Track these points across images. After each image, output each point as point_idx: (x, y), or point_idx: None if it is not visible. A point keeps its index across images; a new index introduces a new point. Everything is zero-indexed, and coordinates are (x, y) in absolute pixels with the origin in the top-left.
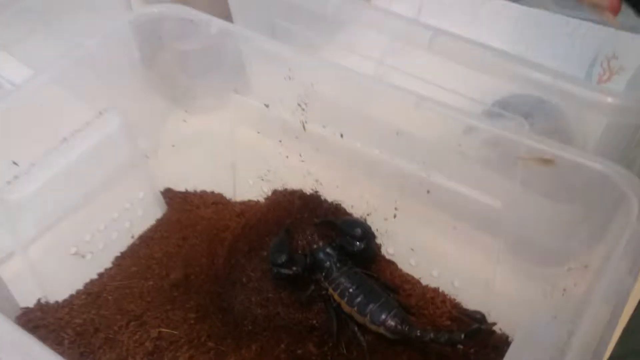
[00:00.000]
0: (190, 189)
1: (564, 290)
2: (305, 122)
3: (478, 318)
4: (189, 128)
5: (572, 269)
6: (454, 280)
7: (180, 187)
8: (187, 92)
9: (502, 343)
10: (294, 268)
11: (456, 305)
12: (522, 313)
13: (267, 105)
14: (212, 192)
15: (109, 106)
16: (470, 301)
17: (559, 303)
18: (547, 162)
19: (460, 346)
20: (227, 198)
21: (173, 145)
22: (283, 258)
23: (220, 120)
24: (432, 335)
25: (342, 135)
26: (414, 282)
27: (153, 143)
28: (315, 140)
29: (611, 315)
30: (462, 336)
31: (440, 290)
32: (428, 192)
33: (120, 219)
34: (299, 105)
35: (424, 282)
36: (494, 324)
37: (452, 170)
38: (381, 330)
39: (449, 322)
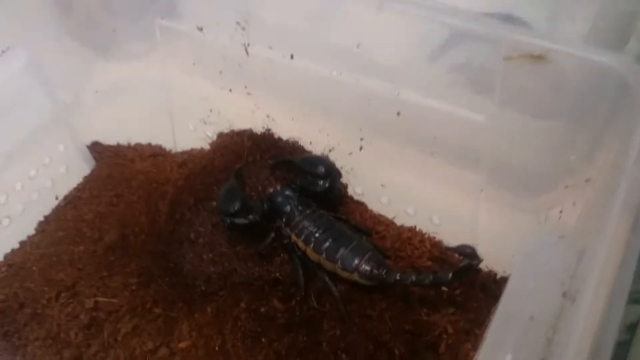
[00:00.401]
0: (124, 142)
1: (561, 212)
2: (248, 44)
3: (468, 253)
4: (116, 75)
5: (569, 187)
6: (432, 216)
7: (110, 140)
8: (112, 36)
9: (490, 281)
10: (250, 216)
11: (437, 245)
12: (512, 247)
13: (200, 29)
14: (149, 144)
15: (14, 44)
16: (452, 239)
17: (558, 226)
18: (537, 58)
19: (444, 288)
20: (167, 149)
21: (96, 91)
22: (236, 206)
23: (150, 62)
24: (413, 277)
25: (292, 57)
26: (387, 223)
27: (74, 92)
28: (262, 66)
29: (633, 226)
30: (450, 276)
31: (417, 229)
32: (398, 114)
33: (39, 176)
34: (238, 24)
35: (398, 221)
36: (481, 260)
37: (426, 85)
38: (355, 277)
39: (429, 263)
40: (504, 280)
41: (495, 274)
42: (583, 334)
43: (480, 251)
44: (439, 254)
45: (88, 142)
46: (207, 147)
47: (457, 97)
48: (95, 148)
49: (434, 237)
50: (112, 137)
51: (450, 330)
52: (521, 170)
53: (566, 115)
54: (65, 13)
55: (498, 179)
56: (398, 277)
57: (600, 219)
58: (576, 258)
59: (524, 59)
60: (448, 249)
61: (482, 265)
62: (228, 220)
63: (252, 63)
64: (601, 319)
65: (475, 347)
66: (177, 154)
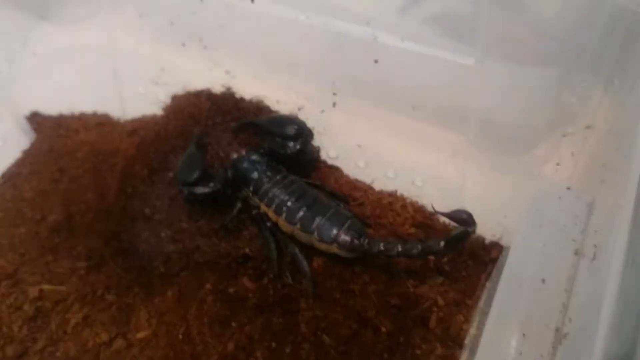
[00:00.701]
0: (66, 112)
1: (558, 164)
2: None
3: (464, 219)
4: (55, 38)
5: (567, 135)
6: (414, 179)
7: (51, 110)
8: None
9: (479, 247)
10: (211, 184)
11: (420, 210)
12: (501, 209)
13: None
14: (95, 113)
15: None
16: (436, 202)
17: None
18: None
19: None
20: (115, 118)
21: (34, 55)
22: (195, 174)
23: (93, 21)
24: (399, 247)
25: (252, 0)
26: (365, 188)
27: (8, 59)
28: (218, 13)
29: None
30: (442, 244)
31: (398, 194)
32: (376, 61)
33: None
34: None
35: (377, 186)
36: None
37: (406, 28)
38: (334, 248)
39: (413, 230)
40: (494, 245)
41: (484, 239)
42: (606, 297)
43: None
44: (423, 219)
45: (26, 112)
46: (160, 112)
47: (440, 43)
48: (35, 119)
49: (417, 202)
50: (53, 106)
51: (440, 302)
52: (511, 124)
53: (558, 60)
54: None
55: (485, 135)
56: (382, 248)
57: (609, 167)
58: (586, 211)
59: None
60: (440, 213)
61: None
62: (186, 191)
63: (207, 10)
64: (623, 278)
65: (468, 319)
66: (126, 122)
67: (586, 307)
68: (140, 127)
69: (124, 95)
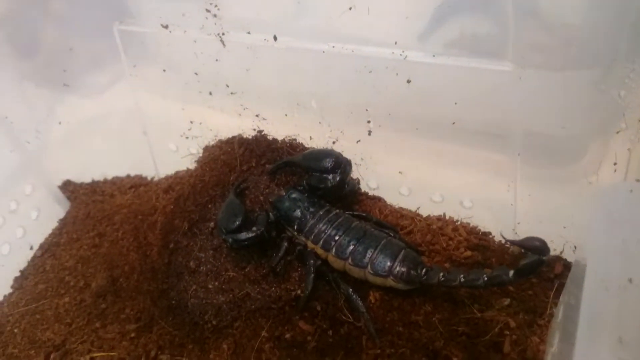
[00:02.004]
0: (99, 178)
1: (615, 164)
2: (222, 34)
3: (537, 247)
4: (81, 107)
5: (620, 131)
6: (462, 200)
7: (83, 178)
8: (73, 69)
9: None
10: (254, 228)
11: (473, 231)
12: (557, 221)
13: (165, 26)
14: (128, 176)
15: None
16: (489, 222)
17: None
18: None
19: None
20: (149, 178)
21: (60, 124)
22: (237, 221)
23: (116, 84)
24: (462, 278)
25: (275, 38)
26: (412, 216)
27: (37, 131)
28: (242, 56)
29: None
30: (511, 274)
31: (447, 217)
32: (409, 81)
33: (8, 225)
34: (208, 11)
35: (424, 211)
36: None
37: (435, 41)
38: (390, 281)
39: (469, 253)
40: (557, 259)
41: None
42: None
43: (520, 230)
44: (478, 240)
45: (59, 182)
46: (193, 166)
47: (472, 54)
48: (68, 187)
49: (469, 224)
50: (84, 174)
51: (512, 324)
52: (556, 133)
53: (594, 60)
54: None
55: (532, 147)
56: (442, 278)
57: None
58: None
59: None
60: (511, 242)
61: None
62: (230, 239)
63: (230, 55)
64: None
65: (543, 340)
66: (160, 180)
67: None
68: (175, 183)
69: (155, 155)
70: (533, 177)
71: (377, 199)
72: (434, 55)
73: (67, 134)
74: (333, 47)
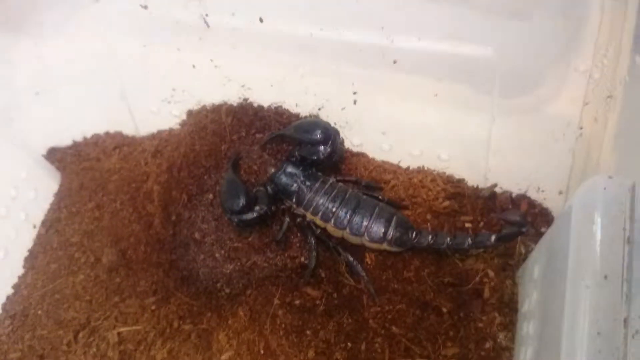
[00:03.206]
0: (78, 137)
1: (581, 128)
2: (206, 15)
3: (517, 221)
4: (48, 61)
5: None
6: (440, 153)
7: (64, 141)
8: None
9: (508, 202)
10: (257, 208)
11: (450, 180)
12: (522, 162)
13: (144, 7)
14: (107, 133)
15: None
16: (463, 170)
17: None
18: None
19: (468, 224)
20: (130, 135)
21: (37, 94)
22: (241, 202)
23: (88, 38)
24: (448, 240)
25: (261, 20)
26: (394, 170)
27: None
28: (226, 36)
29: None
30: (493, 239)
31: (426, 168)
32: (395, 62)
33: (12, 212)
34: None
35: (404, 164)
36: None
37: (422, 27)
38: (385, 246)
39: (447, 203)
40: (522, 197)
41: (511, 193)
42: None
43: (491, 174)
44: (454, 189)
45: (43, 151)
46: (175, 127)
47: (460, 29)
48: (54, 156)
49: (444, 173)
50: (64, 135)
51: (490, 274)
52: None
53: None
54: None
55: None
56: (430, 240)
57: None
58: (630, 197)
59: None
60: (495, 215)
61: (497, 188)
62: (236, 219)
63: (214, 34)
64: None
65: (514, 280)
66: (144, 140)
67: None
68: (161, 146)
69: (134, 114)
70: (510, 118)
71: (361, 155)
72: (419, 40)
73: (38, 94)
74: (321, 29)
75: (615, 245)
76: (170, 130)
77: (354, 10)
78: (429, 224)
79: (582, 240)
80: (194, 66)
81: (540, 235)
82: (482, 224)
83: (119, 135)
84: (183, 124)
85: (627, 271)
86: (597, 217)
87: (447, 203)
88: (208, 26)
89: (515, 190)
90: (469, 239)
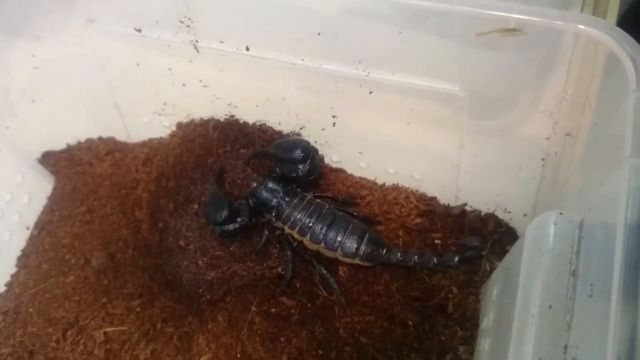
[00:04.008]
0: (72, 142)
1: (544, 159)
2: (197, 41)
3: (476, 246)
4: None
5: (550, 139)
6: (413, 173)
7: (59, 145)
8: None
9: (477, 220)
10: (238, 219)
11: (422, 197)
12: (492, 183)
13: (138, 30)
14: (101, 138)
15: None
16: (435, 189)
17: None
18: (512, 32)
19: (437, 241)
20: (122, 141)
21: (33, 101)
22: (223, 214)
23: (83, 46)
24: (416, 258)
25: (247, 48)
26: (370, 186)
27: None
28: (215, 60)
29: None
30: (456, 259)
31: (400, 186)
32: (371, 92)
33: (6, 215)
34: (181, 22)
35: (379, 181)
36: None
37: (396, 62)
38: (357, 260)
39: (419, 220)
40: (490, 216)
41: (480, 212)
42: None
43: (461, 193)
44: (426, 207)
45: (38, 155)
46: (166, 136)
47: (432, 67)
48: (48, 160)
49: (417, 191)
50: (58, 139)
51: (454, 290)
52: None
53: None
54: None
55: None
56: (400, 257)
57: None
58: (577, 233)
59: (499, 34)
60: (459, 243)
61: (467, 207)
62: (219, 230)
63: (204, 58)
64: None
65: (478, 297)
66: (135, 147)
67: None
68: (152, 154)
69: (126, 123)
70: (475, 134)
71: (340, 171)
72: (393, 74)
73: (34, 102)
74: (302, 60)
75: (562, 277)
76: (161, 139)
77: (332, 45)
78: (400, 240)
79: (532, 271)
80: (184, 84)
81: (505, 253)
82: (450, 240)
83: (111, 140)
84: (173, 135)
85: (570, 302)
86: (546, 250)
87: (418, 220)
88: (198, 51)
89: (484, 209)
90: (435, 259)
